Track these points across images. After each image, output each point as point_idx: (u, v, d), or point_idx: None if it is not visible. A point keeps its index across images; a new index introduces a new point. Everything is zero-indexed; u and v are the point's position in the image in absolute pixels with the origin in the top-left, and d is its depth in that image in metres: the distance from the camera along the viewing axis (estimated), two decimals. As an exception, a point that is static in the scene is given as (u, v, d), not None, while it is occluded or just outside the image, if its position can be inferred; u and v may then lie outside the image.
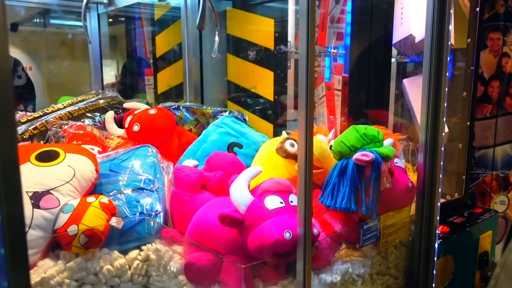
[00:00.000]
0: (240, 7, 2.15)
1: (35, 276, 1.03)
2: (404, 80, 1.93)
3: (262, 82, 2.02)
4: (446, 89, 1.29)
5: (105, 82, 3.13)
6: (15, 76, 3.06)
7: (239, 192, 1.01)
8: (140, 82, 3.09)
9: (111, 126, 1.72)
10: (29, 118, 1.66)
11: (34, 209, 1.08)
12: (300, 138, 0.92)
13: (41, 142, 1.58)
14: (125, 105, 1.85)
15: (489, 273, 1.71)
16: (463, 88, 1.85)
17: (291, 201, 1.01)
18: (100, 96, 1.85)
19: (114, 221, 1.15)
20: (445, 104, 1.30)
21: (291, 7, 2.04)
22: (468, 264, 1.65)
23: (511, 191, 2.17)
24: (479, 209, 1.80)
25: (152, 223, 1.22)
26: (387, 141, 1.25)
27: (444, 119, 1.30)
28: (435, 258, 1.31)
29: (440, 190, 1.29)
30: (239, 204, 0.99)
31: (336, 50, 1.89)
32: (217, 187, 1.27)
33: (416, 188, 1.27)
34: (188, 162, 1.48)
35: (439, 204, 1.29)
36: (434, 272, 1.32)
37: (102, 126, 1.73)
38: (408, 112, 1.93)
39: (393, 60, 2.01)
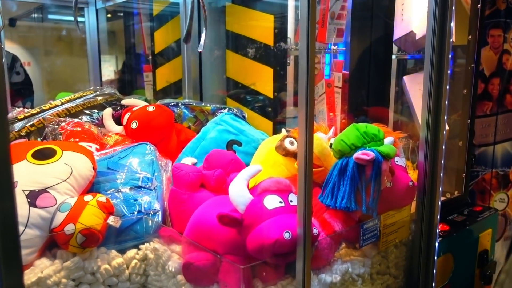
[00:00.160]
0: (240, 2, 2.13)
1: (31, 275, 1.02)
2: (405, 77, 1.91)
3: (262, 79, 2.00)
4: (448, 87, 1.28)
5: (103, 78, 3.11)
6: (14, 72, 3.04)
7: (238, 191, 0.99)
8: (139, 78, 3.08)
9: (109, 123, 1.70)
10: (26, 114, 1.64)
11: (31, 208, 1.06)
12: (300, 136, 0.90)
13: (38, 139, 1.56)
14: (123, 101, 1.83)
15: (489, 271, 1.70)
16: (464, 85, 1.84)
17: (291, 201, 1.00)
18: (98, 92, 1.83)
19: (111, 220, 1.14)
20: (446, 102, 1.29)
21: (291, 2, 2.02)
22: (468, 263, 1.64)
23: (511, 189, 2.16)
24: (479, 207, 1.80)
25: (150, 222, 1.21)
26: (388, 140, 1.24)
27: (445, 117, 1.29)
28: (435, 257, 1.31)
29: (440, 189, 1.28)
30: (238, 204, 0.98)
31: (336, 47, 1.87)
32: (216, 186, 1.26)
33: (417, 187, 1.26)
34: (187, 160, 1.47)
35: (439, 203, 1.28)
36: (434, 271, 1.31)
37: (100, 123, 1.71)
38: (408, 110, 1.92)
39: (393, 57, 2.00)
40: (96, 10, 2.82)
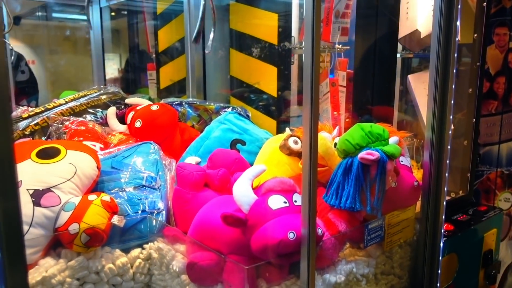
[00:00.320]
0: (243, 1, 2.12)
1: (36, 275, 1.02)
2: (409, 76, 1.91)
3: (266, 77, 2.00)
4: (454, 86, 1.27)
5: (107, 77, 3.12)
6: (19, 71, 3.05)
7: (243, 191, 0.99)
8: (143, 77, 3.08)
9: (113, 122, 1.70)
10: (31, 113, 1.65)
11: (35, 207, 1.07)
12: (304, 136, 0.90)
13: (43, 138, 1.56)
14: (127, 100, 1.83)
15: (493, 271, 1.69)
16: (469, 84, 1.83)
17: (295, 201, 1.00)
18: (102, 91, 1.83)
19: (116, 220, 1.14)
20: (452, 102, 1.28)
21: (295, 1, 2.01)
22: (473, 263, 1.63)
23: (516, 189, 2.15)
24: (484, 207, 1.79)
25: (154, 221, 1.21)
26: (393, 139, 1.23)
27: (451, 117, 1.28)
28: (440, 257, 1.30)
29: (446, 189, 1.27)
30: (242, 204, 0.98)
31: (340, 45, 1.86)
32: (219, 185, 1.26)
33: (422, 186, 1.26)
34: (191, 159, 1.47)
35: (444, 203, 1.27)
36: (439, 271, 1.31)
37: (104, 122, 1.71)
38: (413, 109, 1.91)
39: (398, 55, 1.99)
40: (100, 8, 2.82)
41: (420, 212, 1.28)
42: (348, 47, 1.87)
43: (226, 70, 2.23)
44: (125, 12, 3.14)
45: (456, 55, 1.26)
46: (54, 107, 1.69)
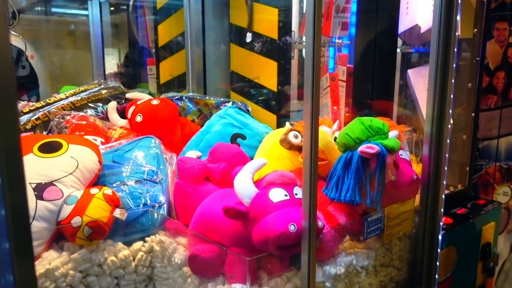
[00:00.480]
0: (244, -5, 2.12)
1: (39, 267, 1.03)
2: (409, 71, 1.91)
3: (266, 72, 2.00)
4: (453, 81, 1.27)
5: (107, 72, 3.12)
6: (19, 66, 3.04)
7: (244, 185, 1.00)
8: (143, 72, 3.08)
9: (114, 116, 1.71)
10: (32, 108, 1.65)
11: (38, 201, 1.08)
12: (305, 130, 0.91)
13: (44, 132, 1.57)
14: (128, 95, 1.84)
15: (491, 264, 1.71)
16: (469, 79, 1.83)
17: (296, 194, 1.01)
18: (102, 86, 1.84)
19: (117, 213, 1.15)
20: (452, 96, 1.28)
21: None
22: (471, 255, 1.65)
23: (515, 183, 2.16)
24: (482, 201, 1.80)
25: (155, 214, 1.22)
26: (392, 133, 1.24)
27: (450, 111, 1.28)
28: (439, 250, 1.31)
29: (444, 182, 1.28)
30: (244, 197, 0.99)
31: (340, 40, 1.87)
32: (220, 179, 1.27)
33: (421, 180, 1.27)
34: (191, 153, 1.48)
35: (443, 196, 1.28)
36: (438, 263, 1.32)
37: (105, 117, 1.72)
38: (412, 103, 1.91)
39: (398, 50, 1.99)
40: (100, 3, 2.82)
41: (419, 205, 1.29)
42: (348, 42, 1.88)
43: (226, 65, 2.24)
44: (125, 7, 3.13)
45: (456, 50, 1.27)
46: (55, 101, 1.70)
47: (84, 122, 1.52)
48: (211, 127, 1.63)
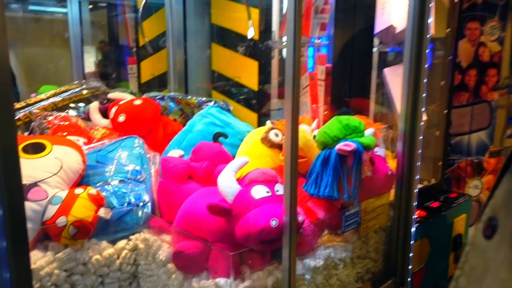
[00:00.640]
0: (224, -5, 2.15)
1: (25, 267, 1.04)
2: (385, 70, 1.97)
3: (247, 71, 2.04)
4: (425, 80, 1.33)
5: (86, 70, 3.09)
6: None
7: (227, 182, 1.04)
8: (123, 71, 3.07)
9: (96, 117, 1.71)
10: (12, 109, 1.64)
11: (23, 201, 1.09)
12: (286, 130, 0.95)
13: (25, 133, 1.57)
14: (110, 95, 1.85)
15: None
16: (442, 77, 1.90)
17: (277, 190, 1.05)
18: (84, 86, 1.84)
19: (102, 212, 1.17)
20: (424, 95, 1.34)
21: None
22: (443, 246, 1.72)
23: (484, 176, 2.26)
24: (454, 194, 1.88)
25: (140, 213, 1.24)
26: (368, 131, 1.29)
27: (423, 109, 1.34)
28: (412, 242, 1.38)
29: (417, 177, 1.34)
30: (227, 194, 1.03)
31: (319, 40, 1.91)
32: (203, 177, 1.30)
33: (395, 175, 1.32)
34: (174, 152, 1.50)
35: (416, 191, 1.35)
36: (411, 254, 1.39)
37: (87, 117, 1.72)
38: (388, 101, 1.97)
39: (374, 49, 2.05)
40: (79, 1, 2.79)
41: (394, 199, 1.35)
42: (327, 42, 1.92)
43: (207, 64, 2.26)
44: (105, 5, 3.11)
45: (429, 49, 1.32)
46: (36, 102, 1.69)
47: (66, 123, 1.52)
48: (194, 126, 1.65)
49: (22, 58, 3.66)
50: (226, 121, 1.69)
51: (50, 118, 1.54)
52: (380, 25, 1.87)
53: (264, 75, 2.02)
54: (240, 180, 1.07)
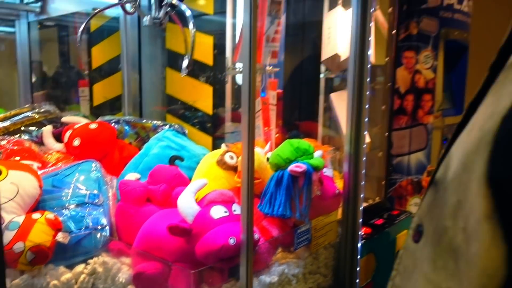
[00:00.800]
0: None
1: (-21, 295, 1.02)
2: (331, 95, 2.10)
3: (201, 96, 2.10)
4: (367, 106, 1.46)
5: (34, 93, 3.01)
6: None
7: (187, 203, 1.09)
8: (73, 93, 3.02)
9: (50, 141, 1.70)
10: (-41, 133, 1.60)
11: (-23, 228, 1.07)
12: (243, 155, 1.02)
13: (-25, 158, 1.53)
14: (64, 119, 1.84)
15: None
16: (382, 102, 2.07)
17: (234, 210, 1.12)
18: (36, 110, 1.82)
19: (60, 237, 1.17)
20: (366, 119, 1.47)
21: (229, 21, 2.12)
22: (388, 261, 1.83)
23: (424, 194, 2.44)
24: (397, 211, 2.02)
25: (98, 236, 1.26)
26: (317, 153, 1.40)
27: (365, 132, 1.47)
28: (359, 257, 1.48)
29: (362, 196, 1.45)
30: (187, 215, 1.08)
31: (271, 67, 2.02)
32: (161, 200, 1.33)
33: (342, 194, 1.43)
34: (131, 175, 1.52)
35: (361, 209, 1.46)
36: (358, 269, 1.49)
37: (40, 141, 1.71)
38: (335, 124, 2.11)
39: (321, 75, 2.20)
40: (28, 23, 2.75)
41: (342, 217, 1.45)
42: (278, 69, 2.04)
43: (162, 88, 2.30)
44: (55, 28, 3.07)
45: (369, 77, 1.45)
46: (-15, 126, 1.66)
47: (19, 147, 1.51)
48: (150, 150, 1.68)
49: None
50: (182, 144, 1.74)
51: (3, 142, 1.51)
52: (326, 53, 2.02)
53: (218, 99, 2.09)
54: (199, 202, 1.13)
